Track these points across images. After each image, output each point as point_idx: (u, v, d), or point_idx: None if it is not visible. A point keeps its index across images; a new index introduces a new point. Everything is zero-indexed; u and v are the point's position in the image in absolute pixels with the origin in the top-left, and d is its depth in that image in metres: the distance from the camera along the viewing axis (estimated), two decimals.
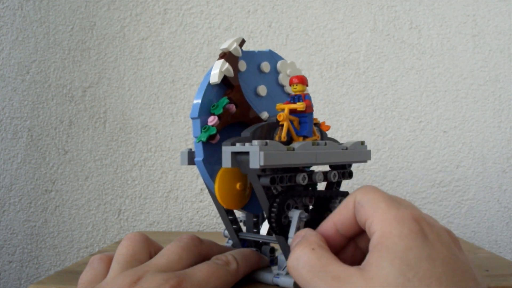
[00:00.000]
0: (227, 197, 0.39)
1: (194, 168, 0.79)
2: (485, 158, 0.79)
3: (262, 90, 0.43)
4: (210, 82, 0.40)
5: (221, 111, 0.39)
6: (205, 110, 0.39)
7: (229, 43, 0.41)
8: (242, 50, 0.42)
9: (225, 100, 0.39)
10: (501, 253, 0.78)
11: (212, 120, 0.39)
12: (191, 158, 0.42)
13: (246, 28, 0.80)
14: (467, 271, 0.24)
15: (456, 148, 0.79)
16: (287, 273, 0.38)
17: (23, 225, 0.80)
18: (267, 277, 0.39)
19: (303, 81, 0.41)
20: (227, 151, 0.37)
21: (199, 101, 0.39)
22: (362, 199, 0.27)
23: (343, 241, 0.29)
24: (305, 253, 0.26)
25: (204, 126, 0.38)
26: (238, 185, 0.40)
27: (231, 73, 0.40)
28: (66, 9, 0.80)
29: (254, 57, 0.44)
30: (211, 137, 0.39)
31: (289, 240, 0.37)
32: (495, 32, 0.79)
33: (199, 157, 0.39)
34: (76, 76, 0.80)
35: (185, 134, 0.80)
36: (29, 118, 0.80)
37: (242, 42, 0.42)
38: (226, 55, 0.41)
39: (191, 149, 0.42)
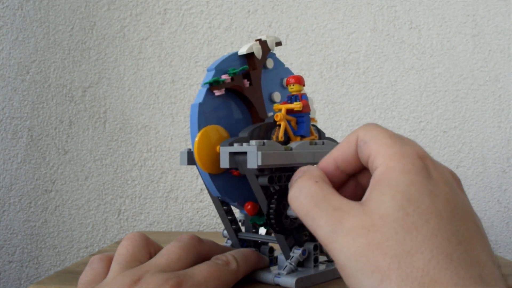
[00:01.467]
0: (206, 159, 0.39)
1: (194, 168, 0.79)
2: (485, 158, 0.79)
3: (277, 96, 0.45)
4: (238, 52, 0.42)
5: (237, 71, 0.41)
6: (221, 71, 0.41)
7: (266, 35, 0.44)
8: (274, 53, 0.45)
9: (245, 67, 0.42)
10: (501, 253, 0.78)
11: (226, 77, 0.40)
12: (190, 158, 0.42)
13: (246, 28, 0.80)
14: (467, 211, 0.23)
15: (456, 148, 0.79)
16: (288, 273, 0.38)
17: (23, 225, 0.80)
18: (268, 277, 0.39)
19: (299, 81, 0.41)
20: (225, 151, 0.37)
21: (219, 61, 0.41)
22: (365, 136, 0.26)
23: (343, 177, 0.28)
24: (308, 184, 0.26)
25: (215, 77, 0.40)
26: (218, 148, 0.39)
27: (258, 54, 0.42)
28: (66, 9, 0.80)
29: (281, 69, 0.46)
30: (216, 86, 0.40)
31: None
32: (495, 32, 0.79)
33: (197, 101, 0.39)
34: (76, 76, 0.80)
35: (185, 134, 0.80)
36: (29, 118, 0.80)
37: (278, 43, 0.45)
38: (261, 41, 0.43)
39: (190, 149, 0.42)
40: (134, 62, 0.80)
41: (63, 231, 0.80)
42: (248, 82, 0.42)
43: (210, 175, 0.39)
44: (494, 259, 0.22)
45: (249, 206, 0.40)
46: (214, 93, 0.40)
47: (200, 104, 0.39)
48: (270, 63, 0.44)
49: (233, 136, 0.40)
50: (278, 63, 0.46)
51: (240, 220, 0.45)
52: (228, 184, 0.40)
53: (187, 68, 0.80)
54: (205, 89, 0.40)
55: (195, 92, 0.79)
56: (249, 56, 0.42)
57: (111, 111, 0.80)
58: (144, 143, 0.80)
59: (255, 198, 0.39)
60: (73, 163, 0.80)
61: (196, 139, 0.38)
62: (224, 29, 0.80)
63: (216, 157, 0.39)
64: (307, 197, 0.25)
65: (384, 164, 0.24)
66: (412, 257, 0.21)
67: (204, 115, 0.39)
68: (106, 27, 0.80)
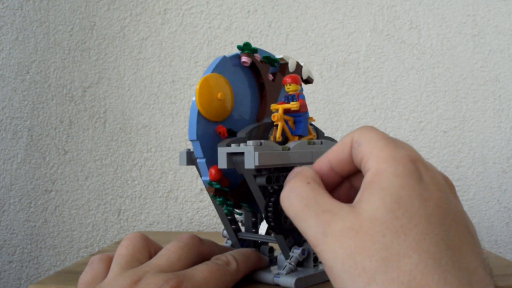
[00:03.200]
0: (209, 106, 0.38)
1: (194, 168, 0.78)
2: (485, 158, 0.79)
3: None
4: (289, 66, 0.43)
5: (270, 56, 0.42)
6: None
7: (304, 64, 0.45)
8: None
9: (278, 59, 0.43)
10: (501, 253, 0.78)
11: (258, 57, 0.42)
12: (190, 158, 0.42)
13: (246, 28, 0.80)
14: (459, 216, 0.23)
15: (456, 148, 0.79)
16: (288, 273, 0.38)
17: (23, 225, 0.80)
18: (267, 277, 0.39)
19: (296, 80, 0.41)
20: (222, 152, 0.37)
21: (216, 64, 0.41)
22: (360, 138, 0.26)
23: (337, 179, 0.28)
24: (299, 185, 0.26)
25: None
26: (219, 95, 0.39)
27: (292, 67, 0.44)
28: (66, 9, 0.80)
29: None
30: (248, 53, 0.41)
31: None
32: (495, 32, 0.79)
33: (221, 57, 0.41)
34: (76, 76, 0.80)
35: (185, 134, 0.80)
36: (29, 118, 0.80)
37: (309, 80, 0.46)
38: (298, 64, 0.45)
39: (189, 149, 0.42)
40: (134, 62, 0.80)
41: (63, 231, 0.80)
42: (272, 78, 0.43)
43: (199, 115, 0.38)
44: (485, 266, 0.22)
45: (213, 171, 0.38)
46: (241, 59, 0.41)
47: (224, 57, 0.40)
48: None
49: (235, 102, 0.41)
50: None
51: (240, 221, 0.45)
52: (209, 138, 0.39)
53: (187, 68, 0.80)
54: (230, 56, 0.41)
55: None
56: (282, 65, 0.44)
57: (111, 111, 0.80)
58: (144, 143, 0.80)
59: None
60: (73, 163, 0.80)
61: (197, 86, 0.38)
62: (224, 29, 0.80)
63: (218, 104, 0.39)
64: (297, 198, 0.25)
65: (376, 166, 0.24)
66: (399, 260, 0.21)
67: (223, 70, 0.40)
68: (106, 27, 0.80)
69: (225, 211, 0.39)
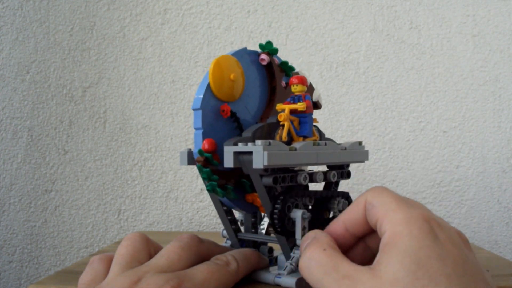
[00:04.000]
0: (220, 82, 0.39)
1: (194, 168, 0.79)
2: (485, 158, 0.79)
3: None
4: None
5: (287, 64, 0.43)
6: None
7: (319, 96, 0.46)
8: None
9: (293, 68, 0.44)
10: (501, 253, 0.78)
11: (265, 58, 0.43)
12: (190, 158, 0.42)
13: (246, 28, 0.80)
14: (477, 272, 0.24)
15: (456, 148, 0.79)
16: (289, 273, 0.38)
17: (23, 225, 0.80)
18: (268, 277, 0.39)
19: (303, 81, 0.41)
20: (229, 151, 0.37)
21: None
22: (373, 200, 0.27)
23: (352, 240, 0.29)
24: (317, 253, 0.26)
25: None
26: (232, 76, 0.40)
27: (317, 100, 0.46)
28: (66, 9, 0.80)
29: None
30: (267, 52, 0.43)
31: (297, 241, 0.38)
32: (495, 32, 0.79)
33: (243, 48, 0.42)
34: (76, 76, 0.80)
35: (185, 134, 0.80)
36: (29, 118, 0.80)
37: (317, 105, 0.46)
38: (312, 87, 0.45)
39: (190, 149, 0.42)
40: (134, 62, 0.80)
41: (63, 231, 0.80)
42: (285, 86, 0.44)
43: (208, 87, 0.39)
44: None
45: (206, 143, 0.38)
46: (259, 56, 0.43)
47: (245, 48, 0.41)
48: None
49: (245, 92, 0.41)
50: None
51: (239, 220, 0.45)
52: (212, 112, 0.39)
53: (187, 68, 0.80)
54: (249, 51, 0.43)
55: (195, 92, 0.79)
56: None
57: (111, 111, 0.80)
58: (144, 143, 0.80)
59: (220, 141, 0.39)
60: (73, 163, 0.80)
61: (215, 59, 0.39)
62: (224, 29, 0.80)
63: (229, 84, 0.40)
64: (316, 267, 0.26)
65: (391, 229, 0.25)
66: None
67: (241, 59, 0.41)
68: (106, 27, 0.80)
69: (208, 188, 0.39)
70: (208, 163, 0.38)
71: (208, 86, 0.39)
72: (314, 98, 0.45)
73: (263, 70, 0.44)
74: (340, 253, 0.26)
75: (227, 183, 0.40)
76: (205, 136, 0.39)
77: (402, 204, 0.26)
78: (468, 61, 0.79)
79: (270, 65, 0.43)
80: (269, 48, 0.43)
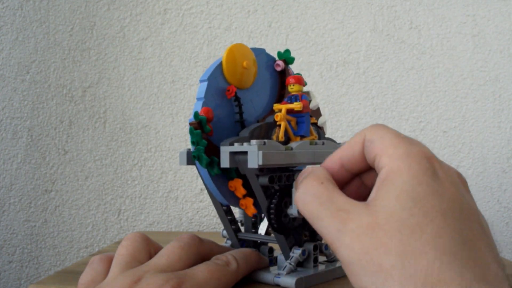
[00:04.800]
0: (232, 66, 0.40)
1: (194, 168, 0.78)
2: (485, 158, 0.79)
3: None
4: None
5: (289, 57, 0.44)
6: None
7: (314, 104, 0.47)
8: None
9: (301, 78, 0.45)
10: (501, 253, 0.78)
11: (280, 64, 0.44)
12: (190, 158, 0.42)
13: (246, 28, 0.80)
14: (473, 212, 0.23)
15: (456, 148, 0.79)
16: (288, 273, 0.38)
17: (23, 225, 0.80)
18: (268, 277, 0.39)
19: (300, 81, 0.41)
20: (225, 151, 0.37)
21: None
22: (372, 136, 0.26)
23: (348, 176, 0.28)
24: (313, 185, 0.26)
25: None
26: (245, 63, 0.41)
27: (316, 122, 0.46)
28: (66, 9, 0.80)
29: None
30: (283, 60, 0.44)
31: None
32: (495, 32, 0.79)
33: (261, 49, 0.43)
34: (76, 76, 0.80)
35: (185, 134, 0.80)
36: (29, 118, 0.80)
37: (319, 118, 0.47)
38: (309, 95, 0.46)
39: (189, 149, 0.42)
40: (134, 62, 0.80)
41: (63, 231, 0.80)
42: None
43: (219, 66, 0.40)
44: (498, 260, 0.22)
45: (204, 109, 0.38)
46: (275, 62, 0.44)
47: (264, 49, 0.43)
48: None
49: (253, 87, 0.42)
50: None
51: (239, 221, 0.45)
52: (217, 88, 0.40)
53: (187, 68, 0.80)
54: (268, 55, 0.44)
55: (195, 92, 0.79)
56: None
57: (111, 111, 0.80)
58: (144, 143, 0.80)
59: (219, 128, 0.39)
60: (73, 163, 0.80)
61: (226, 50, 0.40)
62: (224, 29, 0.80)
63: (240, 70, 0.40)
64: (312, 198, 0.25)
65: (390, 164, 0.24)
66: (416, 257, 0.21)
67: (258, 58, 0.42)
68: (106, 27, 0.80)
69: (194, 153, 0.38)
70: (200, 126, 0.38)
71: (220, 64, 0.39)
72: (315, 111, 0.46)
73: (277, 76, 0.45)
74: (337, 187, 0.26)
75: (214, 155, 0.39)
76: (204, 106, 0.39)
77: (403, 140, 0.25)
78: (468, 61, 0.79)
79: (283, 72, 0.44)
80: (286, 56, 0.44)
